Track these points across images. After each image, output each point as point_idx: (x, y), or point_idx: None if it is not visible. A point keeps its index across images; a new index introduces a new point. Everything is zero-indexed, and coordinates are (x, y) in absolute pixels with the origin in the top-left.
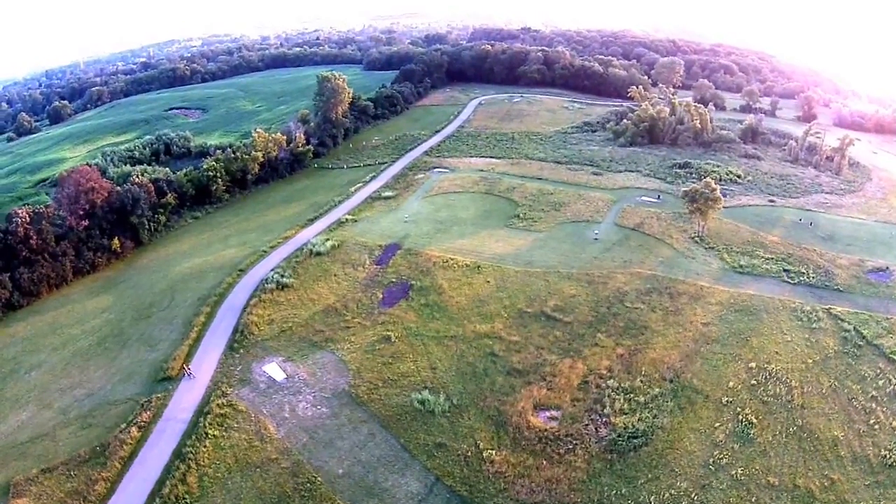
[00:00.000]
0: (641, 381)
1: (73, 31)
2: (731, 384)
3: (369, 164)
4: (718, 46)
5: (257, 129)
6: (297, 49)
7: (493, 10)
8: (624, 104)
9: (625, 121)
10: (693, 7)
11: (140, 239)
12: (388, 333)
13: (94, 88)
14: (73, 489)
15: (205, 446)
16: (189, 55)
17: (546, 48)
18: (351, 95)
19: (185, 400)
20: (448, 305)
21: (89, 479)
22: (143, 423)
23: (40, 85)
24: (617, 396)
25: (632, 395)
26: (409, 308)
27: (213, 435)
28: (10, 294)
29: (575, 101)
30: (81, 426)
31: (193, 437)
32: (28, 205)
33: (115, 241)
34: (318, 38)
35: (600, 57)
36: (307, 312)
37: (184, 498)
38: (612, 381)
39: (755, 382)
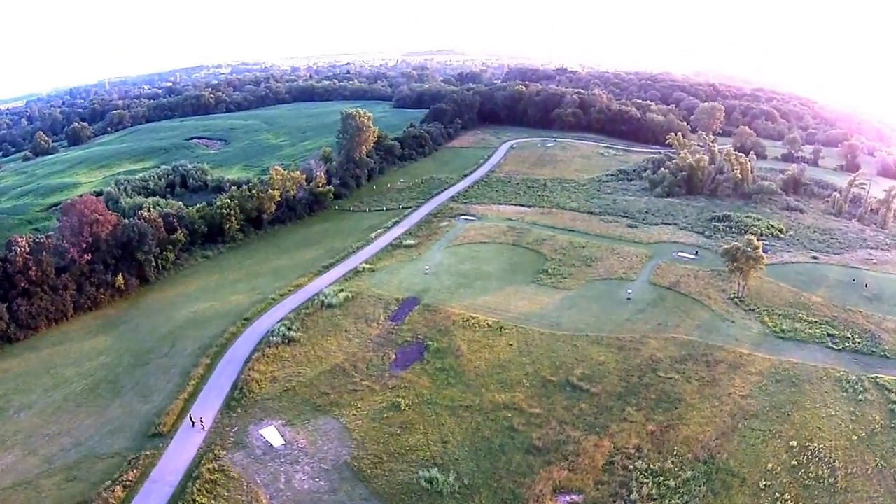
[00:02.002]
0: (673, 463)
1: (103, 50)
2: (769, 466)
3: (392, 208)
4: (759, 91)
5: (275, 167)
6: (327, 82)
7: (529, 50)
8: (662, 151)
9: (662, 169)
10: (734, 51)
11: (146, 276)
12: (399, 400)
13: (115, 111)
14: None
15: None
16: (216, 83)
17: (582, 90)
18: (376, 134)
19: (174, 460)
20: (466, 370)
21: None
22: (128, 483)
23: (63, 103)
24: (645, 480)
25: (661, 479)
26: (423, 372)
27: (200, 502)
28: (6, 326)
29: (610, 147)
30: (66, 478)
31: (179, 503)
32: (37, 229)
33: (119, 277)
34: (348, 72)
35: (638, 101)
36: (313, 372)
37: None
38: (640, 461)
39: (796, 463)
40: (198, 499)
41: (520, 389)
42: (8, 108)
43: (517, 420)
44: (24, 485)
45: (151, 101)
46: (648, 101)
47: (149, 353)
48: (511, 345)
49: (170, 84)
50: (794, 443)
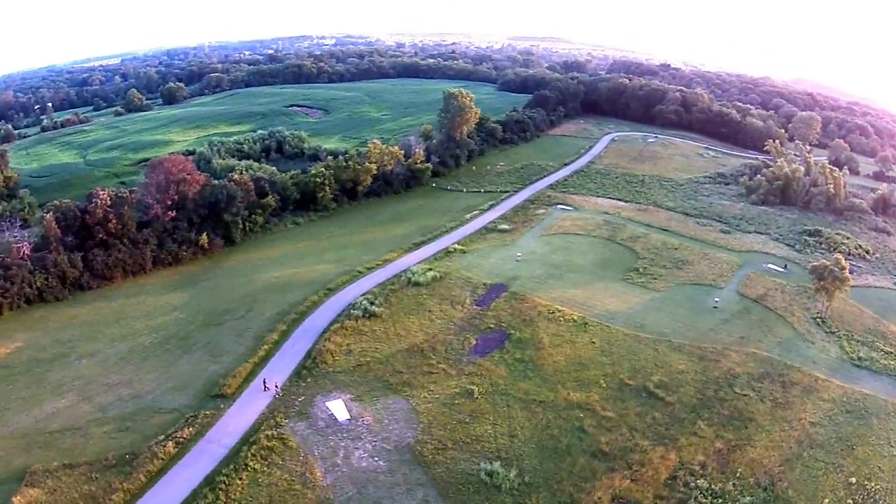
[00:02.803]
0: (734, 486)
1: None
2: (825, 502)
3: (490, 191)
4: (855, 104)
5: (373, 140)
6: (431, 60)
7: (634, 44)
8: (759, 157)
9: (758, 176)
10: (832, 61)
11: (232, 238)
12: (472, 387)
13: (213, 74)
14: (88, 492)
15: (240, 479)
16: (319, 53)
17: (684, 88)
18: (478, 116)
19: (233, 423)
20: (544, 364)
21: (109, 485)
22: (181, 440)
23: (159, 63)
24: (705, 500)
25: (720, 501)
26: (501, 361)
27: (253, 468)
28: (79, 274)
29: (710, 149)
30: (118, 428)
31: (231, 465)
32: (123, 183)
33: (204, 236)
34: (453, 52)
35: (738, 104)
36: (390, 349)
37: None
38: (703, 480)
39: (851, 502)
40: (251, 464)
41: (595, 390)
42: (102, 66)
43: (588, 422)
44: (72, 430)
45: (252, 66)
46: (748, 105)
47: (224, 313)
48: (593, 343)
49: (271, 52)
50: (854, 479)
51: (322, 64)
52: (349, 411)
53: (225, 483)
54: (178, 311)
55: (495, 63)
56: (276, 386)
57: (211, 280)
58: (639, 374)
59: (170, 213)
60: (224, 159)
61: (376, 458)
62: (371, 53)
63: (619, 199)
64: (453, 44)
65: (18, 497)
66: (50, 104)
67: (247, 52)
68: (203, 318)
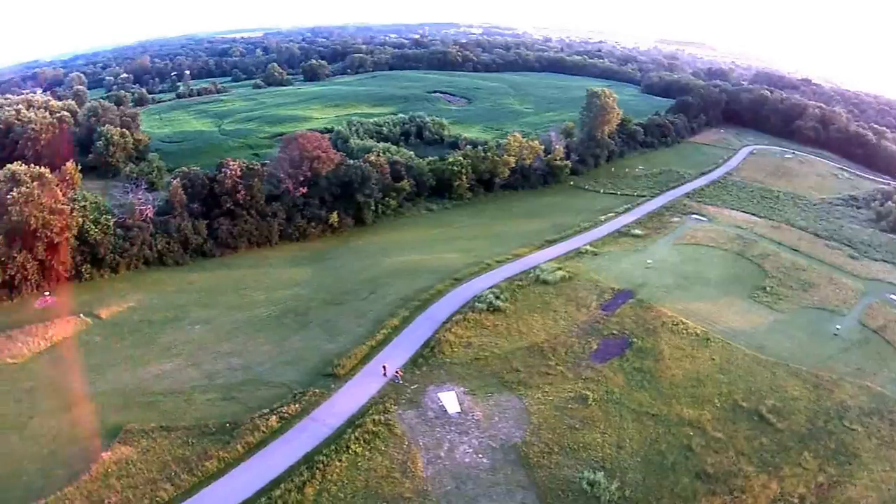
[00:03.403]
0: None
1: None
2: None
3: (627, 194)
4: None
5: (514, 133)
6: (577, 57)
7: (777, 55)
8: (892, 183)
9: (889, 203)
10: None
11: (363, 219)
12: (588, 393)
13: (357, 55)
14: (182, 457)
15: (340, 460)
16: (464, 41)
17: (823, 105)
18: (620, 116)
19: (341, 404)
20: (662, 377)
21: (205, 452)
22: (286, 415)
23: (303, 40)
24: None
25: None
26: (619, 369)
27: (355, 451)
28: (202, 241)
29: (844, 170)
30: (222, 396)
31: (333, 446)
32: (257, 155)
33: (335, 215)
34: (599, 50)
35: (874, 126)
36: (510, 345)
37: None
38: None
39: None
40: (353, 447)
41: (709, 409)
42: (243, 38)
43: (697, 441)
44: (175, 393)
45: (396, 50)
46: (884, 128)
47: (347, 293)
48: (713, 359)
49: (417, 37)
50: None
51: (467, 52)
52: (460, 404)
53: (323, 463)
54: (300, 286)
55: (640, 65)
56: (398, 373)
57: (337, 259)
58: (753, 397)
59: (301, 189)
60: (362, 140)
61: (480, 455)
62: (517, 46)
63: (753, 214)
64: (599, 42)
65: (109, 453)
66: (188, 72)
67: (392, 35)
68: (324, 297)
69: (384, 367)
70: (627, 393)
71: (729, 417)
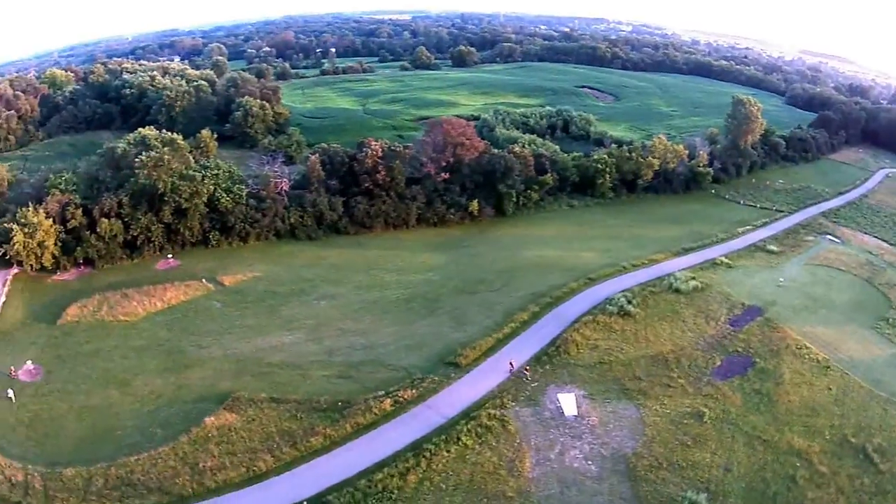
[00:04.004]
0: None
1: None
2: None
3: (765, 208)
4: None
5: (659, 135)
6: (724, 62)
7: None
8: None
9: None
10: None
11: (503, 209)
12: (705, 410)
13: (506, 44)
14: (287, 430)
15: (448, 451)
16: (614, 38)
17: None
18: (763, 127)
19: (458, 394)
20: (779, 402)
21: (312, 427)
22: (401, 399)
23: (452, 25)
24: None
25: None
26: (739, 388)
27: (465, 443)
28: (337, 218)
29: None
30: (339, 374)
31: (444, 436)
32: (401, 137)
33: (475, 203)
34: (745, 56)
35: None
36: (635, 352)
37: (391, 492)
38: None
39: None
40: (464, 439)
41: (818, 440)
42: (391, 19)
43: (802, 473)
44: (291, 366)
45: (546, 41)
46: None
47: (479, 283)
48: (829, 389)
49: (567, 30)
50: None
51: (617, 49)
52: (578, 407)
53: (431, 452)
54: (433, 272)
55: (784, 75)
56: (527, 370)
57: (473, 248)
58: (862, 433)
59: (443, 174)
60: (508, 130)
61: (589, 462)
62: (666, 46)
63: (885, 241)
64: (746, 48)
65: (213, 418)
66: (333, 49)
67: (542, 27)
68: (455, 284)
69: (511, 363)
70: (743, 414)
71: (836, 452)
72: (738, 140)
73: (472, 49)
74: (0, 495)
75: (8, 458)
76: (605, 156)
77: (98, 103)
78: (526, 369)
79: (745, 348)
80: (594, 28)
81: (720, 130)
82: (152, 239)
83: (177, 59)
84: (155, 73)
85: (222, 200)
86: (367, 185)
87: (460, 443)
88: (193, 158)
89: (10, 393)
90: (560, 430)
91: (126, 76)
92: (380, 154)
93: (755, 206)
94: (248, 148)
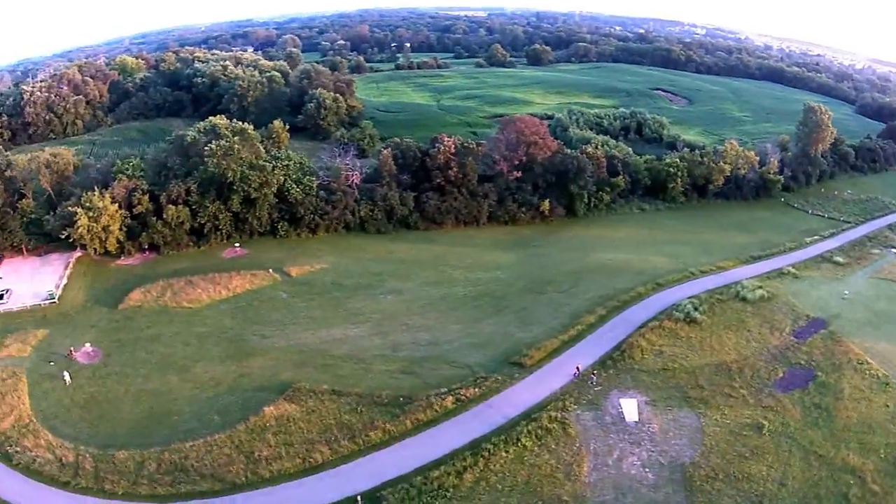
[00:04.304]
0: None
1: None
2: None
3: (833, 218)
4: None
5: (731, 140)
6: (796, 69)
7: None
8: None
9: None
10: None
11: (574, 210)
12: (764, 422)
13: (581, 44)
14: (346, 423)
15: (507, 451)
16: (688, 41)
17: None
18: (834, 136)
19: (521, 395)
20: (838, 417)
21: (371, 421)
22: (463, 398)
23: (527, 23)
24: None
25: None
26: (799, 401)
27: (524, 445)
28: (408, 213)
29: None
30: (402, 369)
31: (503, 436)
32: (474, 133)
33: (546, 203)
34: (817, 64)
35: None
36: (699, 360)
37: (446, 489)
38: None
39: None
40: (523, 440)
41: (873, 458)
42: (466, 16)
43: (854, 491)
44: (355, 359)
45: (620, 42)
46: None
47: (548, 284)
48: (887, 406)
49: (641, 31)
50: None
51: (691, 52)
52: (639, 413)
53: (489, 451)
54: (501, 270)
55: (855, 83)
56: (594, 374)
57: (543, 248)
58: None
59: (515, 172)
60: (581, 130)
61: (646, 470)
62: (739, 50)
63: None
64: (817, 55)
65: (272, 407)
66: (408, 44)
67: (617, 27)
68: (524, 284)
69: (577, 367)
70: (801, 428)
71: (889, 471)
72: (808, 148)
73: (548, 48)
74: (49, 474)
75: (59, 438)
76: (678, 160)
77: (169, 91)
78: (593, 373)
79: (807, 361)
80: (668, 30)
81: (791, 138)
82: (219, 227)
83: (250, 49)
84: (227, 62)
85: (292, 191)
86: (438, 180)
87: (519, 444)
88: (264, 149)
89: (66, 375)
90: (620, 436)
91: (198, 65)
92: (453, 150)
93: (823, 216)
94: (320, 140)
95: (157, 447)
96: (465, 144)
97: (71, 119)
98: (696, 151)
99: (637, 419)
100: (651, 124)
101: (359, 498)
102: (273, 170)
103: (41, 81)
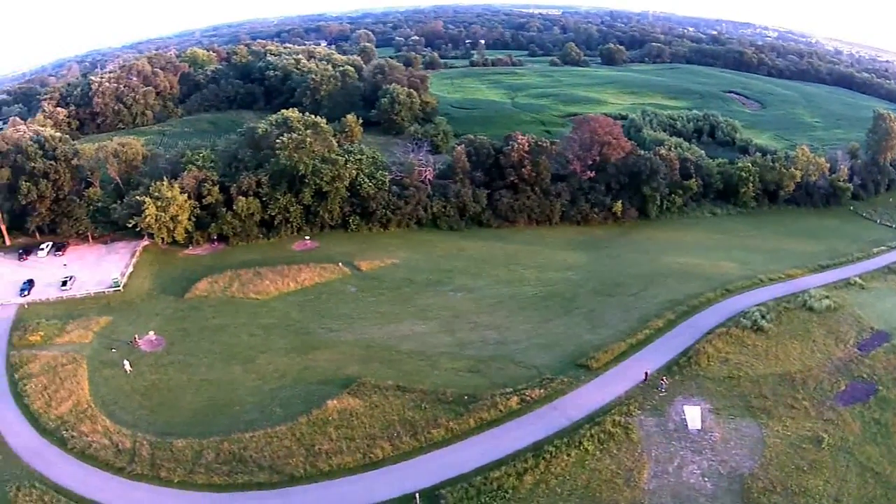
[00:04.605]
0: None
1: None
2: None
3: None
4: None
5: (802, 146)
6: (866, 74)
7: None
8: None
9: None
10: None
11: (647, 212)
12: (824, 436)
13: (655, 44)
14: (410, 419)
15: (568, 455)
16: (760, 43)
17: None
18: None
19: (586, 398)
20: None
21: (434, 419)
22: (528, 399)
23: (601, 22)
24: None
25: None
26: (859, 416)
27: (586, 448)
28: (481, 210)
29: None
30: (468, 368)
31: (566, 439)
32: (548, 132)
33: (619, 204)
34: (886, 70)
35: None
36: (764, 369)
37: (505, 491)
38: None
39: None
40: (585, 443)
41: None
42: (541, 13)
43: None
44: (421, 356)
45: (694, 43)
46: None
47: (618, 286)
48: None
49: (714, 33)
50: None
51: (763, 55)
52: (703, 421)
53: (551, 454)
54: (572, 271)
55: None
56: (663, 380)
57: (614, 249)
58: None
59: (588, 172)
60: (655, 131)
61: (706, 479)
62: (810, 55)
63: None
64: (887, 62)
65: (335, 401)
66: (482, 41)
67: (690, 28)
68: (594, 285)
69: (646, 372)
70: (860, 444)
71: None
72: (877, 156)
73: (622, 47)
74: (104, 460)
75: (117, 424)
76: (750, 164)
77: (241, 83)
78: (662, 379)
79: (869, 374)
80: (741, 32)
81: (860, 145)
82: (290, 220)
83: (323, 43)
84: (300, 56)
85: (364, 185)
86: (512, 178)
87: (581, 447)
88: (337, 142)
89: (126, 364)
90: (681, 444)
91: (270, 58)
92: (526, 148)
93: (891, 226)
94: (394, 135)
95: (216, 436)
96: (539, 143)
97: (140, 110)
98: (768, 156)
99: (700, 427)
100: (724, 127)
101: (417, 495)
102: (346, 163)
103: (110, 72)
